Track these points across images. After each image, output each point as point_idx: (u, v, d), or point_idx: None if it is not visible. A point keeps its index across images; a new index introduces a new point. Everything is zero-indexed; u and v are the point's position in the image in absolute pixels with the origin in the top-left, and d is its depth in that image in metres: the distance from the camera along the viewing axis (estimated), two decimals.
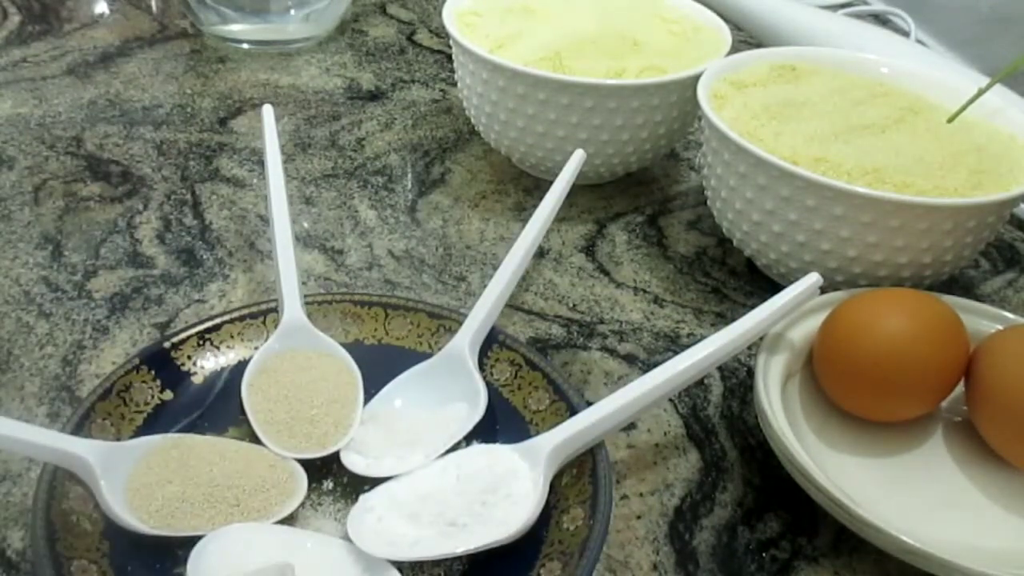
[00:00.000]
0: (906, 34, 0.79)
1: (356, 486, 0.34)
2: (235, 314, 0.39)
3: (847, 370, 0.38)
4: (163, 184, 0.54)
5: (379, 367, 0.38)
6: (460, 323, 0.39)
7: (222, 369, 0.38)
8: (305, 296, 0.40)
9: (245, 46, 0.70)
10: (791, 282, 0.39)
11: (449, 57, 0.65)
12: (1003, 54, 0.53)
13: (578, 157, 0.47)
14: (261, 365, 0.37)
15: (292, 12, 0.70)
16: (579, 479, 0.34)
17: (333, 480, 0.35)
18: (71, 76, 0.64)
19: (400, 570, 0.31)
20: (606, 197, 0.56)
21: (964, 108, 0.48)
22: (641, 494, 0.37)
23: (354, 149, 0.59)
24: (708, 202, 0.50)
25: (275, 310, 0.40)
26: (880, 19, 0.85)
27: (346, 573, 0.31)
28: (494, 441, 0.36)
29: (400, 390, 0.38)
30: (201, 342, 0.38)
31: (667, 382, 0.35)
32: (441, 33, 0.76)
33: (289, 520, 0.33)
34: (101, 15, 0.74)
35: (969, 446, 0.39)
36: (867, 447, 0.39)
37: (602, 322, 0.46)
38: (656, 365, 0.36)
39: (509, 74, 0.50)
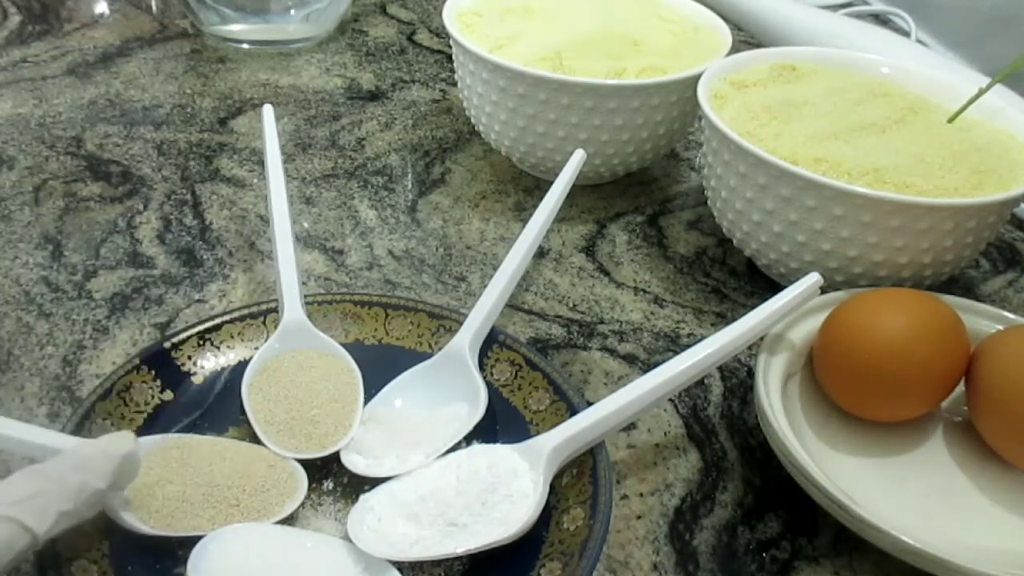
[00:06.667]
0: (906, 34, 0.79)
1: (356, 486, 0.34)
2: (235, 314, 0.39)
3: (847, 370, 0.38)
4: (163, 184, 0.54)
5: (379, 367, 0.38)
6: (460, 323, 0.39)
7: (222, 369, 0.38)
8: (305, 296, 0.40)
9: (245, 46, 0.70)
10: (791, 282, 0.39)
11: (449, 57, 0.66)
12: (1003, 54, 0.53)
13: (578, 157, 0.47)
14: (261, 365, 0.37)
15: (292, 12, 0.70)
16: (579, 479, 0.34)
17: (333, 480, 0.35)
18: (71, 76, 0.64)
19: (400, 570, 0.31)
20: (606, 197, 0.56)
21: (964, 108, 0.48)
22: (641, 494, 0.37)
23: (354, 149, 0.59)
24: (708, 202, 0.50)
25: (275, 310, 0.40)
26: (880, 19, 0.85)
27: (346, 573, 0.31)
28: (494, 441, 0.36)
29: (400, 390, 0.38)
30: (201, 342, 0.38)
31: (667, 382, 0.35)
32: (441, 33, 0.76)
33: (289, 520, 0.33)
34: (101, 15, 0.74)
35: (969, 446, 0.39)
36: (867, 447, 0.39)
37: (602, 322, 0.46)
38: (656, 365, 0.36)
39: (509, 74, 0.50)
